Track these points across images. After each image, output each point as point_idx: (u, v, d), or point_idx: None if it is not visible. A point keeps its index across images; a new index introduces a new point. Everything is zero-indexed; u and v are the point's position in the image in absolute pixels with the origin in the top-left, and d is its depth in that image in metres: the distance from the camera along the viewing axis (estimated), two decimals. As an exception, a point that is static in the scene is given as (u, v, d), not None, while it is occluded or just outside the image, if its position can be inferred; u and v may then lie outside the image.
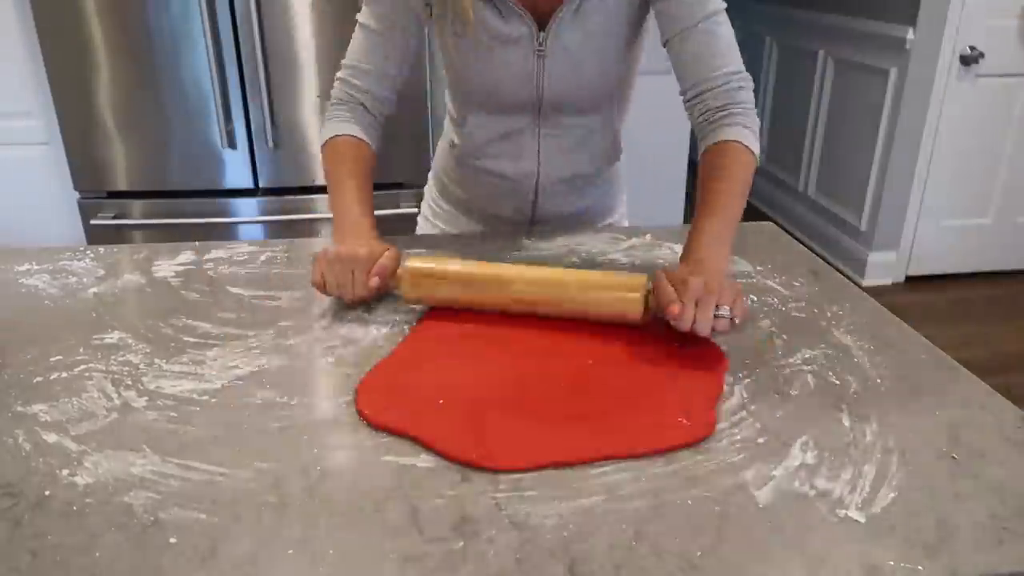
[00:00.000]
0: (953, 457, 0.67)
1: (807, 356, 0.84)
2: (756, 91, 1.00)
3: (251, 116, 2.04)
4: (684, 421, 0.70)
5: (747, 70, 0.99)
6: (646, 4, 1.02)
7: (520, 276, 0.88)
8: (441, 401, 0.73)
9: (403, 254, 0.94)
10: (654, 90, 2.37)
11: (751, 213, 3.63)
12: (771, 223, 1.26)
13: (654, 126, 2.40)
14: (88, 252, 1.12)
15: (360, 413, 0.73)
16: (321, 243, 1.43)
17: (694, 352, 0.83)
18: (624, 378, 0.78)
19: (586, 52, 1.02)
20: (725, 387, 0.77)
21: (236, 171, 2.10)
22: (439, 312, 0.92)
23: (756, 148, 0.98)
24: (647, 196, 2.57)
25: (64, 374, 0.80)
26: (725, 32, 0.98)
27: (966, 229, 3.13)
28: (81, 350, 0.84)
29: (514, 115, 1.09)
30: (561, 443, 0.67)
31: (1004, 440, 0.69)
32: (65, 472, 0.65)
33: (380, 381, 0.78)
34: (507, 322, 0.89)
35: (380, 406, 0.73)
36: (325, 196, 2.12)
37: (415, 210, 2.21)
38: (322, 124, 1.10)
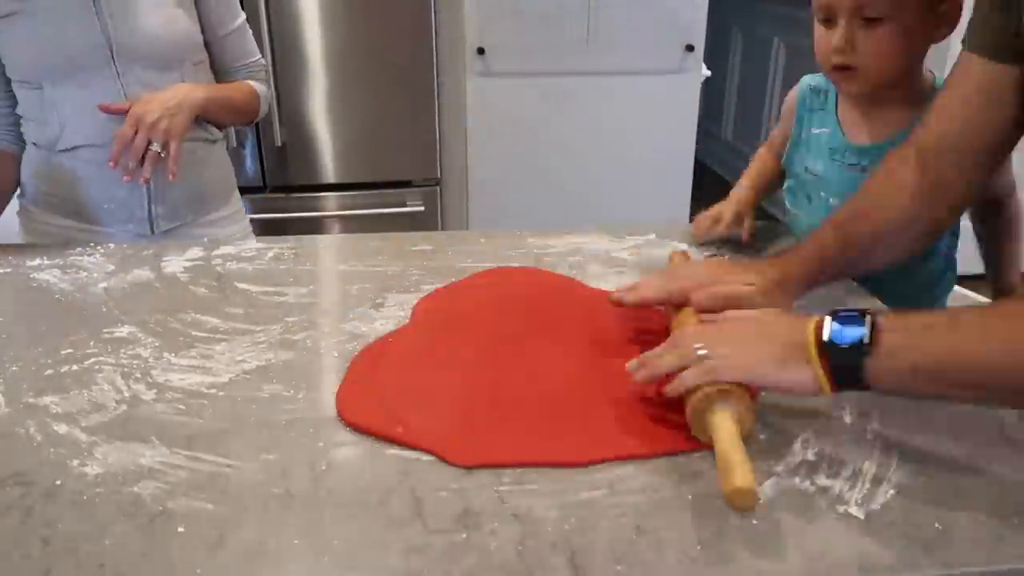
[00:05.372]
0: (953, 456, 0.68)
1: (809, 355, 0.84)
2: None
3: (259, 114, 2.05)
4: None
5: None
6: None
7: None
8: (433, 401, 0.73)
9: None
10: (658, 90, 2.38)
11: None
12: (771, 223, 1.26)
13: (660, 125, 2.40)
14: (98, 248, 1.13)
15: (341, 416, 0.72)
16: (328, 240, 1.43)
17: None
18: (624, 380, 0.75)
19: None
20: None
21: (244, 169, 2.11)
22: (431, 311, 0.92)
23: None
24: (652, 194, 2.57)
25: (75, 367, 0.81)
26: None
27: (966, 229, 3.11)
28: (91, 344, 0.85)
29: None
30: (559, 446, 0.67)
31: (1004, 439, 0.70)
32: (75, 462, 0.66)
33: (361, 385, 0.77)
34: (506, 321, 0.89)
35: (362, 410, 0.72)
36: (332, 194, 2.13)
37: (421, 208, 2.23)
38: None
